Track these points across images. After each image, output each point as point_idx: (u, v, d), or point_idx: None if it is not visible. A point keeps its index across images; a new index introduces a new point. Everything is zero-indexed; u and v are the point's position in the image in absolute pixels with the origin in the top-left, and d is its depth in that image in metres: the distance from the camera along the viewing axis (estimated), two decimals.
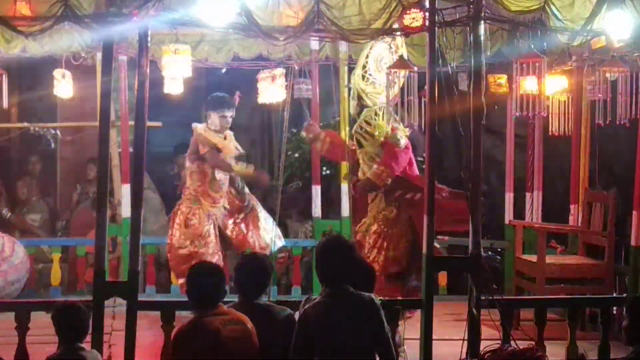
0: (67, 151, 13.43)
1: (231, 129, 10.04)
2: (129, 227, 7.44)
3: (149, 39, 7.28)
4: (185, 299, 6.02)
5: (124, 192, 10.69)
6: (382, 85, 8.76)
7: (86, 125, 11.94)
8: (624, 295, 9.14)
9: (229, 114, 9.81)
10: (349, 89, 10.34)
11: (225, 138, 9.84)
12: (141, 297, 7.68)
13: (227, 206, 10.00)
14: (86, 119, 11.80)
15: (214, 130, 9.76)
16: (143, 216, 7.29)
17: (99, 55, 9.64)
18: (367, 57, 8.94)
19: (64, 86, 10.14)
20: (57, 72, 10.10)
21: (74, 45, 9.56)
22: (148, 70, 7.25)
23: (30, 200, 12.74)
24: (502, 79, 9.73)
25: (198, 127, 9.79)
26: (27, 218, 12.55)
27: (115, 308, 8.35)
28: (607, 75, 8.79)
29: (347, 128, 10.80)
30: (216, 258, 9.65)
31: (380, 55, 8.86)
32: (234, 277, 6.25)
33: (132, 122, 9.47)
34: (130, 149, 10.14)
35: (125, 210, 10.48)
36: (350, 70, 10.41)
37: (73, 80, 10.19)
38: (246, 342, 5.66)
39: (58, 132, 12.30)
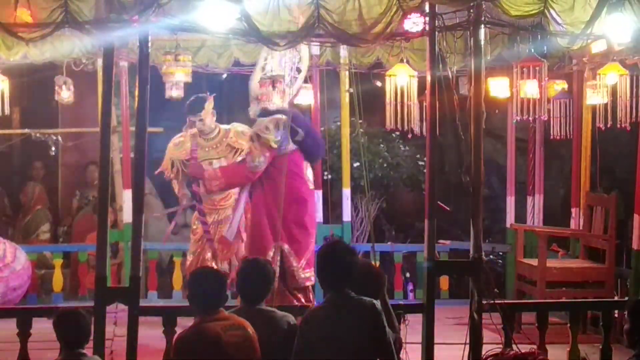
0: (69, 157, 13.45)
1: None
2: (130, 233, 7.44)
3: (149, 44, 7.28)
4: (187, 304, 6.02)
5: (126, 198, 10.70)
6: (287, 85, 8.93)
7: (87, 130, 11.95)
8: (626, 298, 9.14)
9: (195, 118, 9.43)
10: (350, 94, 10.37)
11: None
12: (143, 303, 7.69)
13: None
14: (87, 125, 11.82)
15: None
16: (145, 221, 7.29)
17: (99, 61, 9.65)
18: (265, 59, 9.06)
19: (65, 92, 10.15)
20: (58, 78, 10.11)
21: (75, 51, 9.56)
22: (149, 76, 7.26)
23: (35, 209, 12.75)
24: (503, 83, 9.76)
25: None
26: (37, 230, 12.56)
27: (117, 314, 8.38)
28: (607, 78, 8.80)
29: (348, 132, 10.88)
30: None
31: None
32: (236, 283, 6.25)
33: (133, 128, 9.47)
34: (132, 155, 10.15)
35: (127, 216, 10.49)
36: (352, 74, 10.45)
37: (74, 86, 10.20)
38: (247, 347, 5.65)
39: (59, 137, 12.30)
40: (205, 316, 5.72)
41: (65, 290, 11.09)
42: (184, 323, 6.80)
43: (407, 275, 11.74)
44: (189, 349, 5.63)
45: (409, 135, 9.16)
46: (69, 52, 9.57)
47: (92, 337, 6.29)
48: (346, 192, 10.97)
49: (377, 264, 10.24)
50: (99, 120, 7.35)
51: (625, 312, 6.19)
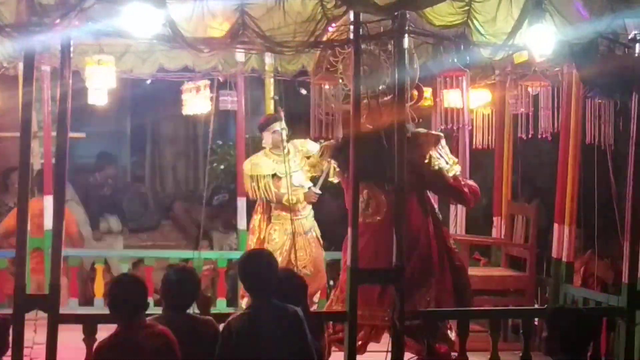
0: None
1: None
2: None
3: (71, 49, 7.20)
4: (107, 311, 5.96)
5: (47, 204, 10.53)
6: None
7: (8, 135, 11.76)
8: (545, 306, 9.25)
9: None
10: (274, 101, 10.35)
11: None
12: (63, 310, 7.58)
13: None
14: (8, 130, 11.63)
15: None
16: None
17: (20, 66, 9.50)
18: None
19: None
20: None
21: None
22: (71, 81, 7.17)
23: None
24: (427, 92, 9.81)
25: None
26: None
27: (37, 321, 8.25)
28: (529, 89, 8.93)
29: None
30: None
31: None
32: (160, 289, 6.20)
33: (54, 133, 9.35)
34: (53, 160, 10.00)
35: (48, 222, 10.32)
36: (277, 82, 10.44)
37: None
38: (168, 355, 5.62)
39: None
40: (127, 324, 5.67)
41: None
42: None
43: (331, 283, 11.73)
44: (109, 356, 5.59)
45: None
46: None
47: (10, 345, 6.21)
48: None
49: None
50: (20, 126, 7.23)
51: (545, 320, 6.27)
